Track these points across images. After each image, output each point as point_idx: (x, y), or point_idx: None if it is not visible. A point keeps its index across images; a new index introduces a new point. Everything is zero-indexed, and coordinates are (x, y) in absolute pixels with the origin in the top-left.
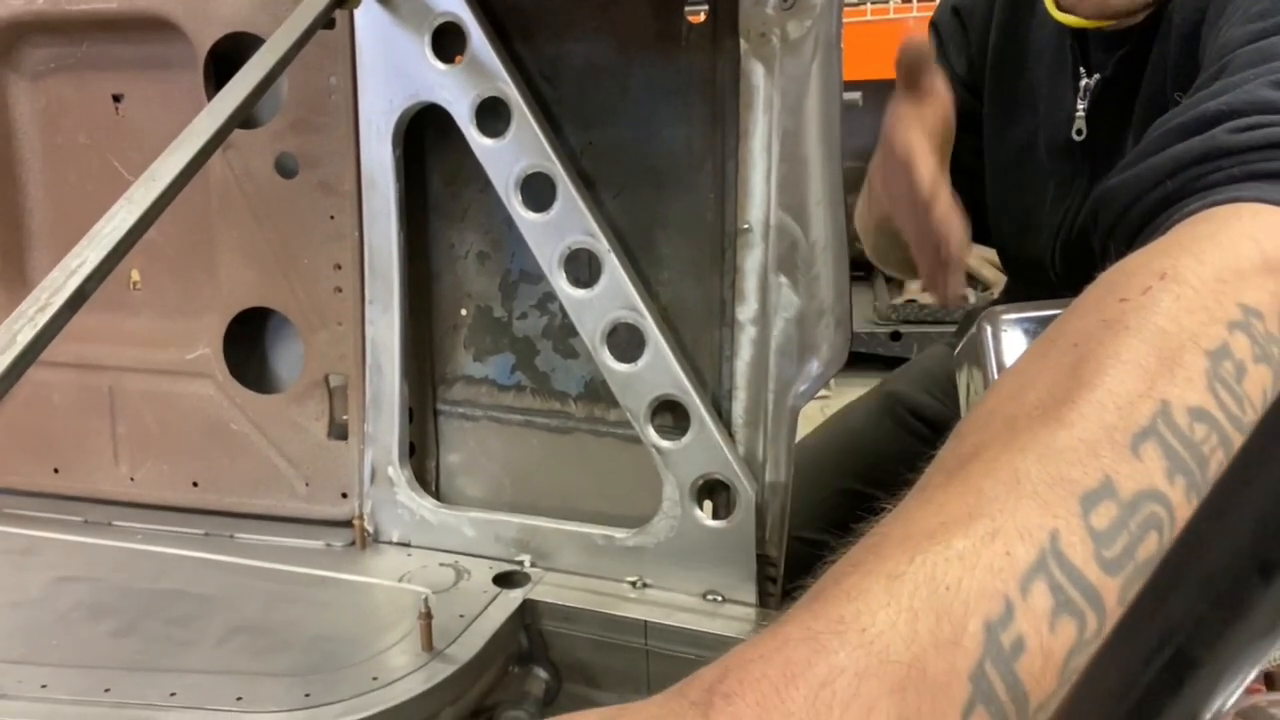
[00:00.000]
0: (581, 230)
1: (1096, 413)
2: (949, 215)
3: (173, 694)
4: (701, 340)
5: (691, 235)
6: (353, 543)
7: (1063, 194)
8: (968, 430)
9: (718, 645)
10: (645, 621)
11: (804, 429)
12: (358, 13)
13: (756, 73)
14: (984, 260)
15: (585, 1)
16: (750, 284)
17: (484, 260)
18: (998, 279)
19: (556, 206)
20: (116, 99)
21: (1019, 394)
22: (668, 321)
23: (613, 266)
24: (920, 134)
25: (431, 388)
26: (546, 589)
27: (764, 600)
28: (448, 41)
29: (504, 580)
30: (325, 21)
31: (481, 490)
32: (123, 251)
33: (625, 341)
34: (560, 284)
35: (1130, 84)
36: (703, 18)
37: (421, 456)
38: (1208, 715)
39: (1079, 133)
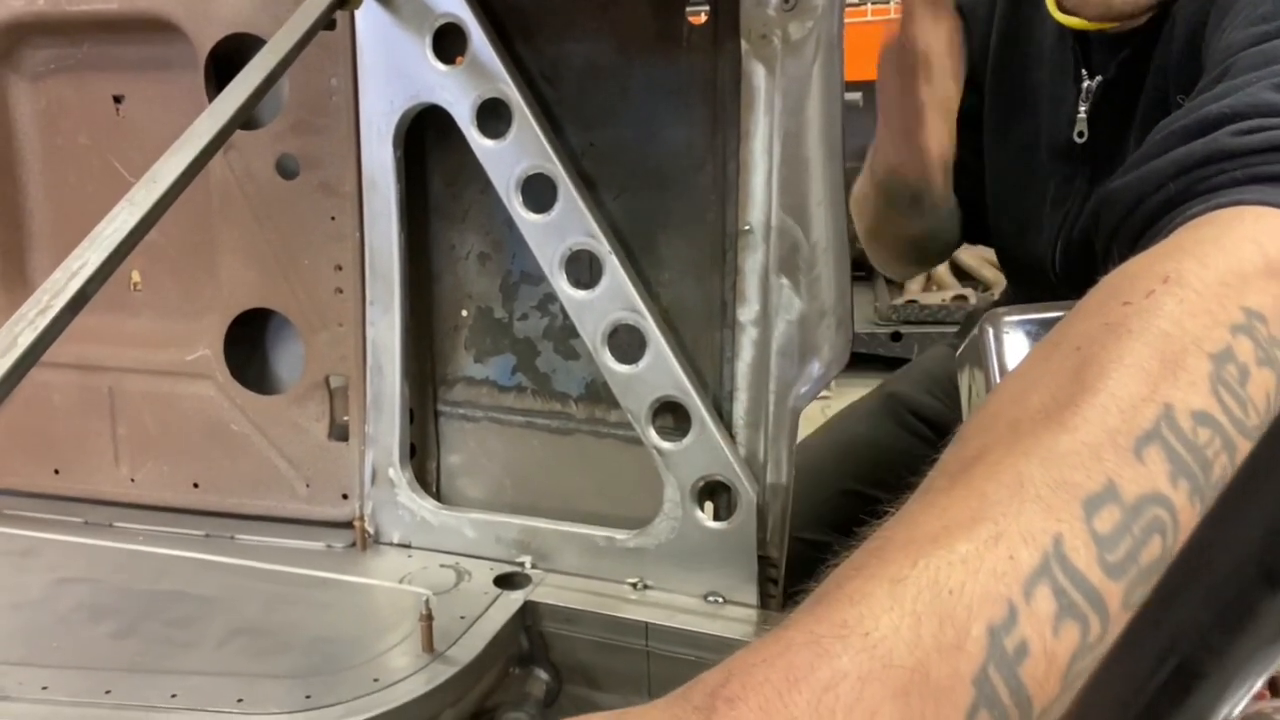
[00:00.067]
0: (582, 231)
1: (1100, 416)
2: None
3: (173, 695)
4: (702, 341)
5: (692, 236)
6: (353, 544)
7: (1063, 195)
8: (970, 433)
9: (719, 647)
10: (646, 623)
11: (805, 430)
12: (358, 14)
13: (758, 74)
14: (984, 260)
15: (586, 2)
16: (751, 285)
17: (485, 261)
18: (998, 279)
19: (557, 207)
20: (117, 100)
21: (1022, 397)
22: (669, 323)
23: (613, 268)
24: (939, 34)
25: (432, 389)
26: (547, 590)
27: (765, 602)
28: (448, 42)
29: (505, 582)
30: (326, 23)
31: (482, 491)
32: (124, 253)
33: (626, 343)
34: (561, 285)
35: (1132, 86)
36: (704, 19)
37: (422, 458)
38: None
39: (1080, 134)
